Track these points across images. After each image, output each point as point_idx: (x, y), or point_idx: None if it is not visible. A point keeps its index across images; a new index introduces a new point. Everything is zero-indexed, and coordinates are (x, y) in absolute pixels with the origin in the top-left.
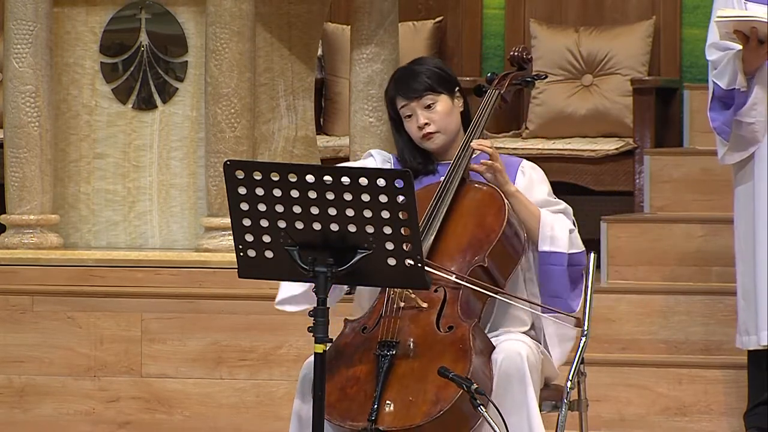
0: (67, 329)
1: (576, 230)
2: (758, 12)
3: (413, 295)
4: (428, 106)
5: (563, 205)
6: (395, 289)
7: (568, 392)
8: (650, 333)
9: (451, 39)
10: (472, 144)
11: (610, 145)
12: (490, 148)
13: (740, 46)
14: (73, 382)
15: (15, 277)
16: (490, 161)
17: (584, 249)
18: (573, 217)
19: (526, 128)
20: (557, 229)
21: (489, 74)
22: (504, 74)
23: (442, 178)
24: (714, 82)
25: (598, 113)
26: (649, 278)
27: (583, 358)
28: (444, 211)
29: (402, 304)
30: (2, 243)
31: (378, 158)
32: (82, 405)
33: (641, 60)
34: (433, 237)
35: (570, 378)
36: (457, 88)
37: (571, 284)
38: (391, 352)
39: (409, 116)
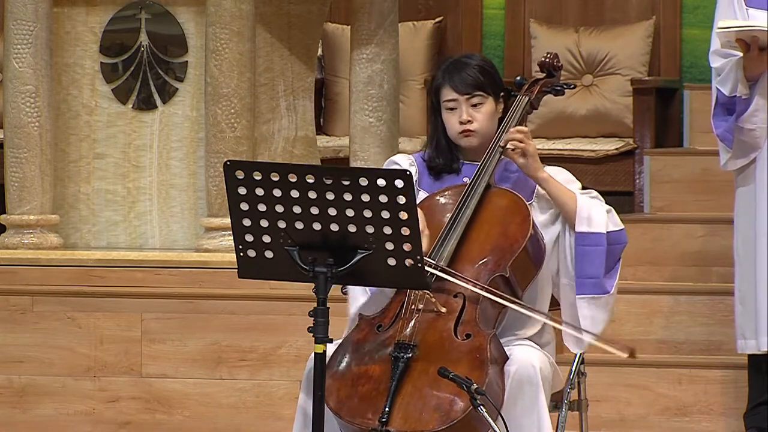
0: (67, 329)
1: (612, 210)
2: (759, 18)
3: (433, 299)
4: (475, 105)
5: (594, 192)
6: (415, 291)
7: (568, 392)
8: (650, 333)
9: (451, 39)
10: (501, 144)
11: (610, 146)
12: (520, 133)
13: (741, 53)
14: (73, 382)
15: (15, 277)
16: (519, 140)
17: (623, 227)
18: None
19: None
20: (594, 211)
21: (518, 78)
22: (534, 80)
23: (468, 180)
24: (717, 89)
25: (598, 113)
26: (650, 278)
27: (583, 358)
28: (468, 216)
29: (421, 307)
30: (2, 243)
31: (402, 164)
32: (82, 405)
33: (641, 60)
34: (456, 242)
35: (570, 378)
36: (502, 93)
37: (607, 264)
38: (407, 355)
39: (453, 109)
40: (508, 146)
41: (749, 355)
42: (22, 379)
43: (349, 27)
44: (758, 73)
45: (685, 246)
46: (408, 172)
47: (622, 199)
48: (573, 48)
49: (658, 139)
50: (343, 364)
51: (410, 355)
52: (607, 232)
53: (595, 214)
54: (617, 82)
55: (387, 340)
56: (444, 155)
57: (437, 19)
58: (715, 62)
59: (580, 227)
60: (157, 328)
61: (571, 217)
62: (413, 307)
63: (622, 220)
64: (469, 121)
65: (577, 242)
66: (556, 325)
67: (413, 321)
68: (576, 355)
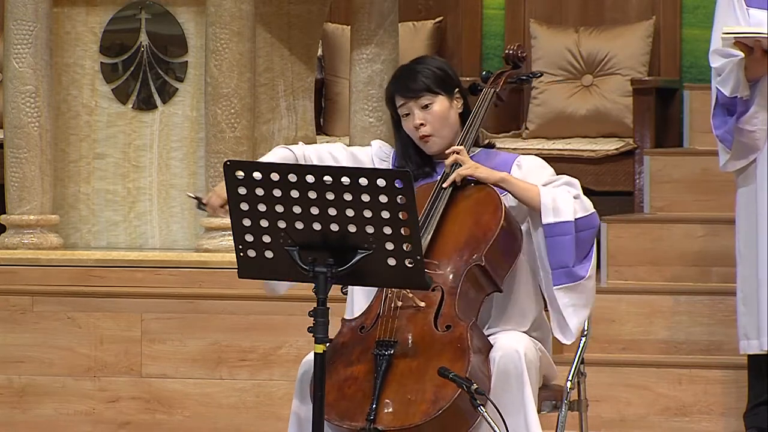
0: (67, 329)
1: (582, 195)
2: (759, 17)
3: (411, 295)
4: (425, 106)
5: (565, 178)
6: (392, 289)
7: (568, 392)
8: (650, 333)
9: (451, 39)
10: (444, 185)
11: (610, 146)
12: (452, 155)
13: (743, 53)
14: (73, 382)
15: (15, 277)
16: (451, 170)
17: (594, 211)
18: (579, 188)
19: (526, 128)
20: (559, 200)
21: (484, 72)
22: (499, 72)
23: (439, 177)
24: (718, 89)
25: (598, 113)
26: (650, 278)
27: (583, 358)
28: (441, 210)
29: (399, 304)
30: (2, 243)
31: (375, 148)
32: (82, 405)
33: (641, 60)
34: (430, 236)
35: (570, 378)
36: (456, 89)
37: (578, 251)
38: (389, 352)
39: (407, 115)
40: (456, 181)
41: (749, 355)
42: (22, 379)
43: (349, 27)
44: (759, 75)
45: (685, 246)
46: (408, 172)
47: (622, 199)
48: (573, 48)
49: (658, 139)
50: (329, 368)
51: (392, 351)
52: (576, 219)
53: (561, 203)
54: (617, 82)
55: (369, 340)
56: (414, 163)
57: (437, 19)
58: (716, 62)
59: (546, 219)
60: (157, 328)
61: (537, 210)
62: (392, 305)
63: (622, 220)
64: (422, 124)
65: (546, 234)
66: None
67: (394, 318)
68: (576, 354)
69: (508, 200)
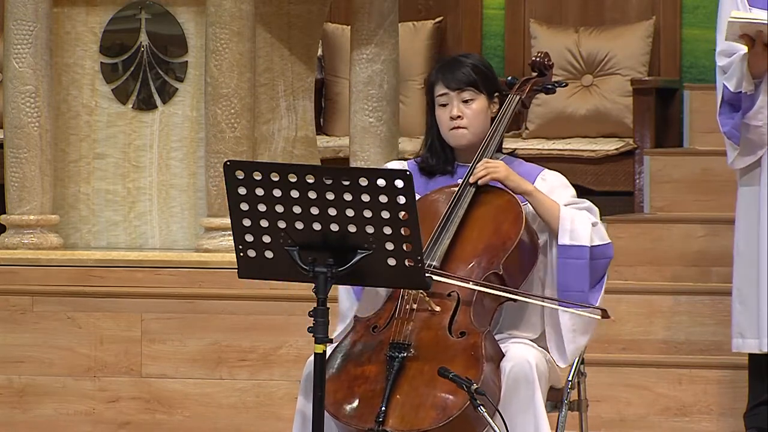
0: (67, 329)
1: (600, 224)
2: (762, 17)
3: (427, 298)
4: (466, 101)
5: (587, 203)
6: (408, 291)
7: (568, 392)
8: (650, 333)
9: (451, 39)
10: (470, 180)
11: (610, 146)
12: (483, 168)
13: (746, 49)
14: (73, 382)
15: (15, 277)
16: (483, 168)
17: (610, 241)
18: (597, 216)
19: (526, 128)
20: (577, 223)
21: (509, 78)
22: (525, 79)
23: (460, 181)
24: (724, 85)
25: (598, 113)
26: (650, 278)
27: (583, 358)
28: (461, 216)
29: (415, 306)
30: (2, 243)
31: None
32: (82, 405)
33: (641, 60)
34: (448, 241)
35: (570, 378)
36: (496, 93)
37: (591, 278)
38: (402, 354)
39: (444, 105)
40: (480, 182)
41: (749, 355)
42: (22, 379)
43: (349, 27)
44: (762, 71)
45: (685, 246)
46: (408, 172)
47: (622, 199)
48: (573, 48)
49: (658, 139)
50: (340, 366)
51: (405, 354)
52: (592, 246)
53: (579, 227)
54: (617, 82)
55: (382, 340)
56: (437, 156)
57: (437, 19)
58: (722, 61)
59: (563, 240)
60: (157, 328)
61: (555, 230)
62: (408, 307)
63: (622, 220)
64: (459, 116)
65: (560, 255)
66: (553, 306)
67: (408, 321)
68: None
69: (527, 207)
